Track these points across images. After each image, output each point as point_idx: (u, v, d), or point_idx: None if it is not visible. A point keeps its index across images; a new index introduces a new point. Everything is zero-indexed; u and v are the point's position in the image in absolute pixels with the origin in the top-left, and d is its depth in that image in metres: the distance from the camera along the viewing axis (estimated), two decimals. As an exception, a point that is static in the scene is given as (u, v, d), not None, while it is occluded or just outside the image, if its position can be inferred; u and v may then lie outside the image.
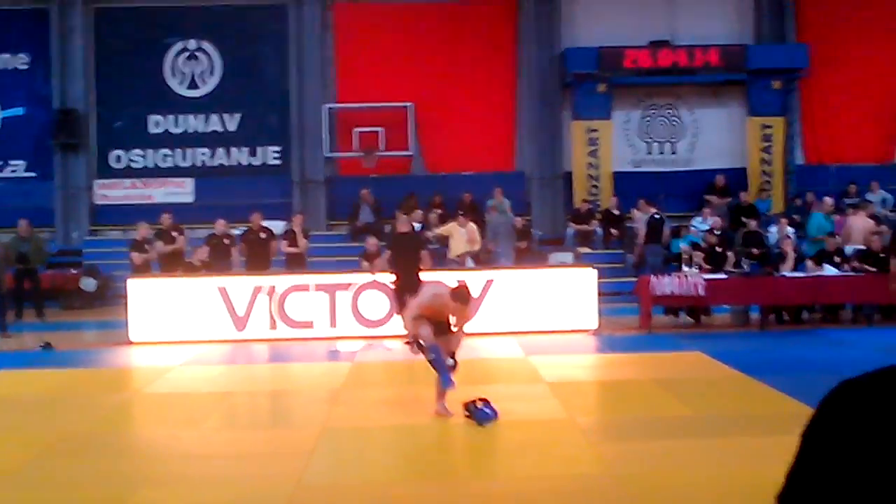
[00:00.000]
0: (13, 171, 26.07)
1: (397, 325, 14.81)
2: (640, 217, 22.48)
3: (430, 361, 9.68)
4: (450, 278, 11.60)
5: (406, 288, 15.39)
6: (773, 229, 20.45)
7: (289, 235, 19.40)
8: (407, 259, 15.51)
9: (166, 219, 19.81)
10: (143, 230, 19.37)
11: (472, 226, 20.40)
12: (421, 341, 9.69)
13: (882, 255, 17.25)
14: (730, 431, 8.89)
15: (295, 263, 19.05)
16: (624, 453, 8.29)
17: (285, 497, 7.08)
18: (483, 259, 20.44)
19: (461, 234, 20.15)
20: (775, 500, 2.01)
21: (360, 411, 10.42)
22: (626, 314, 18.09)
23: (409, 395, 10.99)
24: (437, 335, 9.58)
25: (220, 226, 19.06)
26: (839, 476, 1.90)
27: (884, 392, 1.90)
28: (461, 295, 9.63)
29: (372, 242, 18.16)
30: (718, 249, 18.20)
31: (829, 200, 20.25)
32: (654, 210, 21.37)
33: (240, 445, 9.08)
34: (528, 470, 7.90)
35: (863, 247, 18.44)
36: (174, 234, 19.38)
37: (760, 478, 7.34)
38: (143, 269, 18.54)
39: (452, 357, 9.71)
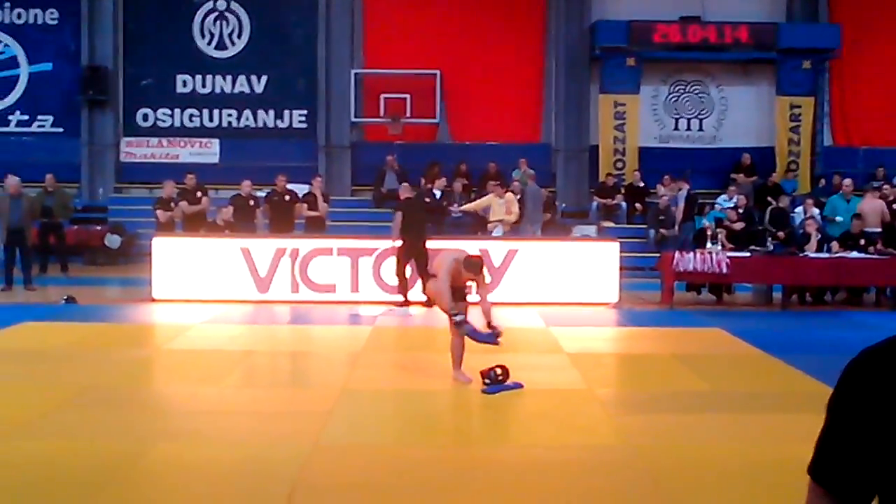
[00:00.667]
0: (40, 127, 26.18)
1: (418, 291, 14.83)
2: (664, 193, 22.37)
3: (467, 335, 9.66)
4: (470, 248, 11.57)
5: (411, 253, 15.51)
6: (799, 209, 20.32)
7: (309, 198, 19.41)
8: (412, 224, 15.68)
9: (191, 179, 19.85)
10: (168, 188, 19.41)
11: (511, 196, 20.14)
12: (455, 318, 9.61)
13: None
14: (748, 408, 8.87)
15: (314, 227, 19.08)
16: (642, 425, 8.30)
17: (303, 456, 7.11)
18: (513, 229, 20.33)
19: (499, 205, 19.92)
20: (807, 473, 2.02)
21: (379, 374, 10.45)
22: (647, 289, 18.06)
23: (428, 361, 11.02)
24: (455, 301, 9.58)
25: (245, 187, 19.10)
26: (865, 438, 1.90)
27: None
28: (472, 264, 9.61)
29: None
30: (739, 227, 18.14)
31: (846, 182, 19.99)
32: (687, 186, 21.21)
33: (258, 404, 9.12)
34: (545, 439, 7.91)
35: (878, 229, 18.31)
36: (199, 194, 19.42)
37: (776, 454, 7.38)
38: (167, 227, 18.59)
39: (490, 326, 9.69)
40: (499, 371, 9.42)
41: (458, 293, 9.68)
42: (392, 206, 17.86)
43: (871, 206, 19.02)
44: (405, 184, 18.55)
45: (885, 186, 21.29)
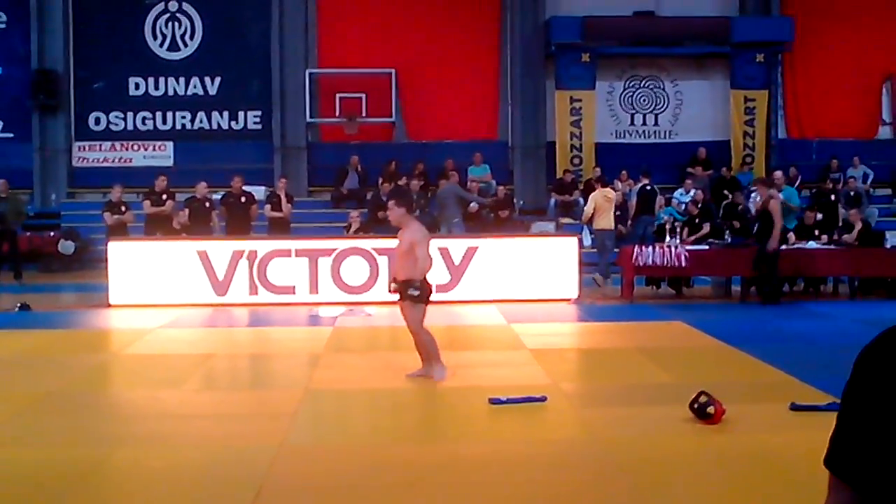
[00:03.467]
0: (-10, 132, 25.81)
1: (378, 291, 14.77)
2: (619, 189, 22.38)
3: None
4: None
5: None
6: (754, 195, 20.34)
7: (272, 199, 19.28)
8: None
9: (161, 181, 19.66)
10: (116, 192, 19.24)
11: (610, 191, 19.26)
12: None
13: None
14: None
15: (278, 228, 18.96)
16: (608, 418, 8.27)
17: (268, 457, 7.02)
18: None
19: (606, 202, 18.74)
20: (824, 465, 1.95)
21: (342, 374, 10.36)
22: (606, 285, 18.09)
23: (391, 360, 10.93)
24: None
25: (201, 189, 18.92)
26: (882, 426, 1.83)
27: None
28: None
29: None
30: (697, 221, 18.23)
31: (792, 172, 19.88)
32: (646, 181, 21.22)
33: (221, 406, 9.02)
34: (512, 434, 7.87)
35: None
36: (164, 196, 19.21)
37: (742, 444, 7.38)
38: (117, 231, 18.38)
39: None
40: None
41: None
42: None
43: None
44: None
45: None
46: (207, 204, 18.77)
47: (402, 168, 23.76)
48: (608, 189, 19.16)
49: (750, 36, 25.32)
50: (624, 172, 22.89)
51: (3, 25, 25.81)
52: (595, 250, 18.92)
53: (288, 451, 7.28)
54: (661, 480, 6.58)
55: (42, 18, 25.31)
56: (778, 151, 25.89)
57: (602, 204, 18.45)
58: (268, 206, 19.13)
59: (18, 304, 15.93)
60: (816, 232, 17.95)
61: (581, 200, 23.76)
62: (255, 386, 10.42)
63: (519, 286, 16.40)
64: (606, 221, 18.47)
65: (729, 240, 17.53)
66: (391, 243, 10.96)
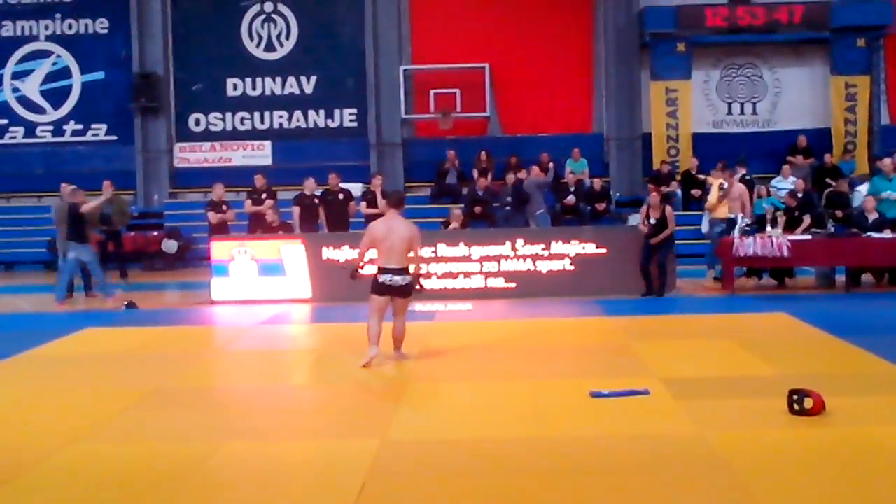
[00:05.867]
0: (95, 135, 26.49)
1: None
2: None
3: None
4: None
5: None
6: (861, 188, 19.89)
7: (368, 196, 19.41)
8: None
9: (259, 179, 19.97)
10: (218, 190, 19.52)
11: (741, 186, 18.44)
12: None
13: None
14: (819, 391, 8.69)
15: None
16: (712, 411, 8.16)
17: (372, 450, 7.09)
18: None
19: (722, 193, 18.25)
20: None
21: (441, 367, 10.39)
22: (703, 276, 17.89)
23: (486, 355, 10.91)
24: None
25: (309, 185, 19.12)
26: None
27: None
28: None
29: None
30: (797, 214, 17.86)
31: (887, 161, 19.29)
32: (743, 171, 20.84)
33: (325, 401, 9.12)
34: (614, 428, 7.80)
35: None
36: (264, 195, 19.48)
37: (852, 436, 7.23)
38: (220, 229, 18.66)
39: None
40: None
41: None
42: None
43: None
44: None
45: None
46: (316, 201, 18.96)
47: (497, 163, 23.76)
48: (731, 178, 18.81)
49: (850, 20, 24.74)
50: (720, 164, 22.50)
51: (105, 31, 26.44)
52: (709, 241, 18.67)
53: (390, 444, 7.34)
54: (766, 473, 6.48)
55: (142, 23, 25.89)
56: (881, 138, 25.26)
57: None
58: (363, 203, 19.26)
59: (125, 303, 16.31)
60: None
61: (679, 192, 23.51)
62: (357, 379, 10.49)
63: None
64: (725, 211, 18.14)
65: (832, 229, 17.16)
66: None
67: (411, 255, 10.56)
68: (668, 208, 16.38)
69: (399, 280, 10.43)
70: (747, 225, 16.81)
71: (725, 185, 18.23)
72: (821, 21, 24.80)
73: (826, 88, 25.40)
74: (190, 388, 9.83)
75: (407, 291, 10.54)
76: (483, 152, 24.15)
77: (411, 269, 10.56)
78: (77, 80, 26.52)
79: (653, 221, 16.18)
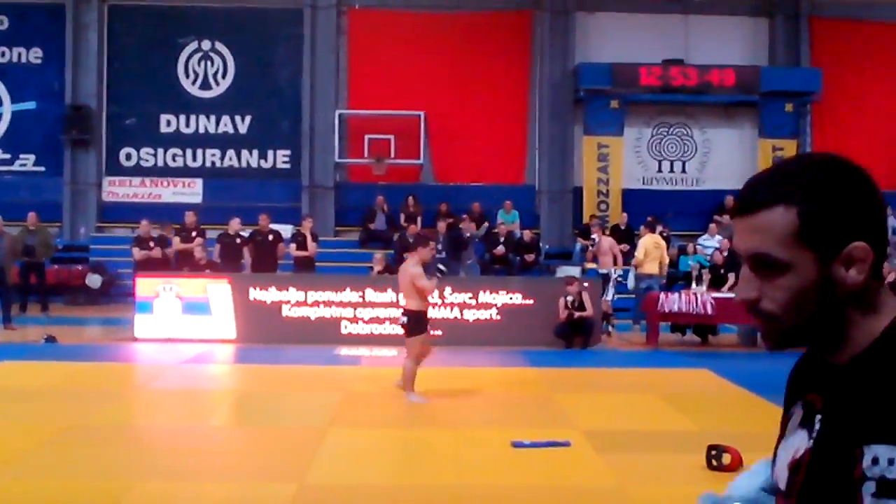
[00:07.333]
0: (23, 165, 26.07)
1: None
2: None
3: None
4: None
5: None
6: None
7: (298, 238, 19.35)
8: None
9: (189, 216, 19.85)
10: (144, 227, 19.37)
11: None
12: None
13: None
14: (739, 448, 8.77)
15: (304, 267, 19.00)
16: (631, 465, 8.21)
17: (289, 494, 7.01)
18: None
19: (655, 248, 18.80)
20: None
21: (361, 413, 10.34)
22: (629, 330, 18.02)
23: (407, 402, 10.89)
24: None
25: (234, 225, 19.04)
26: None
27: None
28: None
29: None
30: (723, 272, 18.15)
31: None
32: (660, 228, 21.16)
33: (243, 442, 9.01)
34: (535, 479, 7.81)
35: None
36: (194, 233, 19.35)
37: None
38: (145, 266, 18.47)
39: None
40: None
41: None
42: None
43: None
44: None
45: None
46: (239, 241, 18.87)
47: (426, 211, 23.80)
48: (657, 235, 19.18)
49: (779, 85, 25.32)
50: (649, 219, 22.80)
51: (38, 61, 26.12)
52: (634, 296, 18.93)
53: (308, 489, 7.27)
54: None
55: (77, 55, 25.62)
56: (805, 201, 25.73)
57: (651, 250, 18.48)
58: (293, 245, 19.19)
59: (45, 337, 16.02)
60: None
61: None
62: (278, 422, 10.39)
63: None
64: (653, 267, 18.45)
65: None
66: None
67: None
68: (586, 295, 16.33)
69: (402, 319, 10.98)
70: (620, 276, 17.18)
71: (660, 241, 18.57)
72: (751, 85, 25.34)
73: (754, 150, 25.90)
74: (108, 424, 9.66)
75: (405, 329, 10.96)
76: (410, 197, 24.23)
77: (414, 305, 10.90)
78: (7, 108, 26.14)
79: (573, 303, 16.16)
